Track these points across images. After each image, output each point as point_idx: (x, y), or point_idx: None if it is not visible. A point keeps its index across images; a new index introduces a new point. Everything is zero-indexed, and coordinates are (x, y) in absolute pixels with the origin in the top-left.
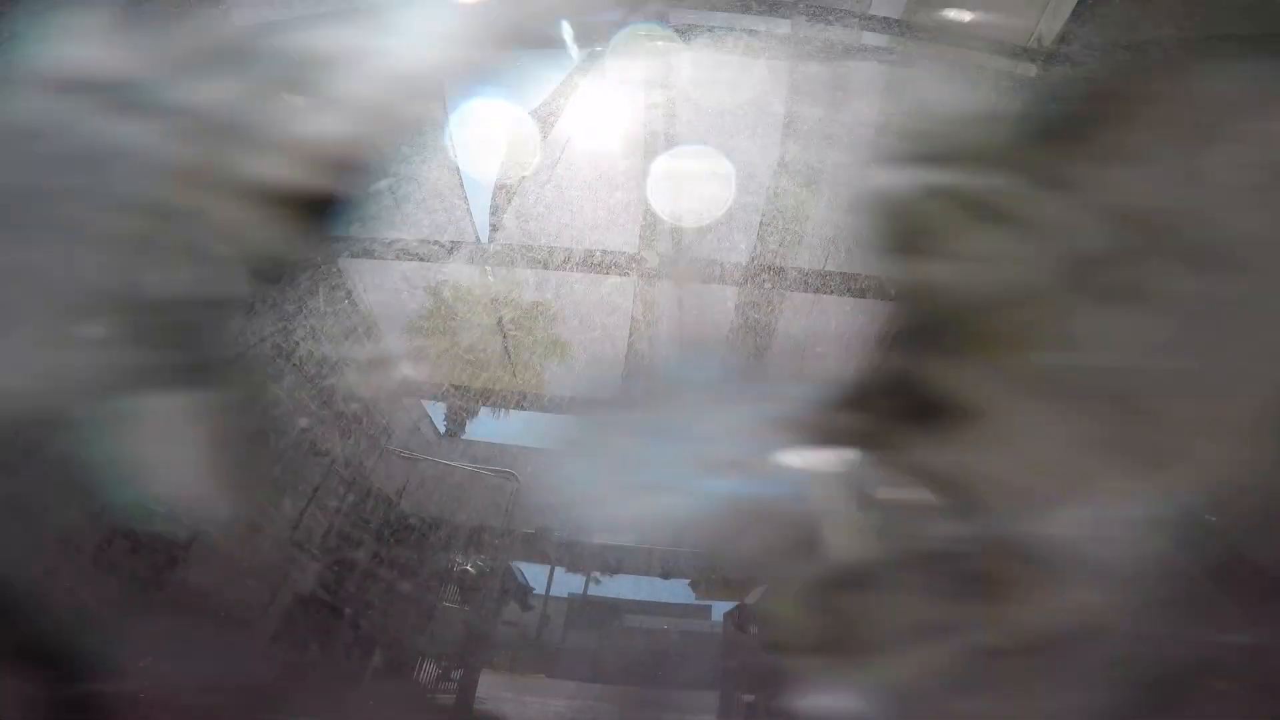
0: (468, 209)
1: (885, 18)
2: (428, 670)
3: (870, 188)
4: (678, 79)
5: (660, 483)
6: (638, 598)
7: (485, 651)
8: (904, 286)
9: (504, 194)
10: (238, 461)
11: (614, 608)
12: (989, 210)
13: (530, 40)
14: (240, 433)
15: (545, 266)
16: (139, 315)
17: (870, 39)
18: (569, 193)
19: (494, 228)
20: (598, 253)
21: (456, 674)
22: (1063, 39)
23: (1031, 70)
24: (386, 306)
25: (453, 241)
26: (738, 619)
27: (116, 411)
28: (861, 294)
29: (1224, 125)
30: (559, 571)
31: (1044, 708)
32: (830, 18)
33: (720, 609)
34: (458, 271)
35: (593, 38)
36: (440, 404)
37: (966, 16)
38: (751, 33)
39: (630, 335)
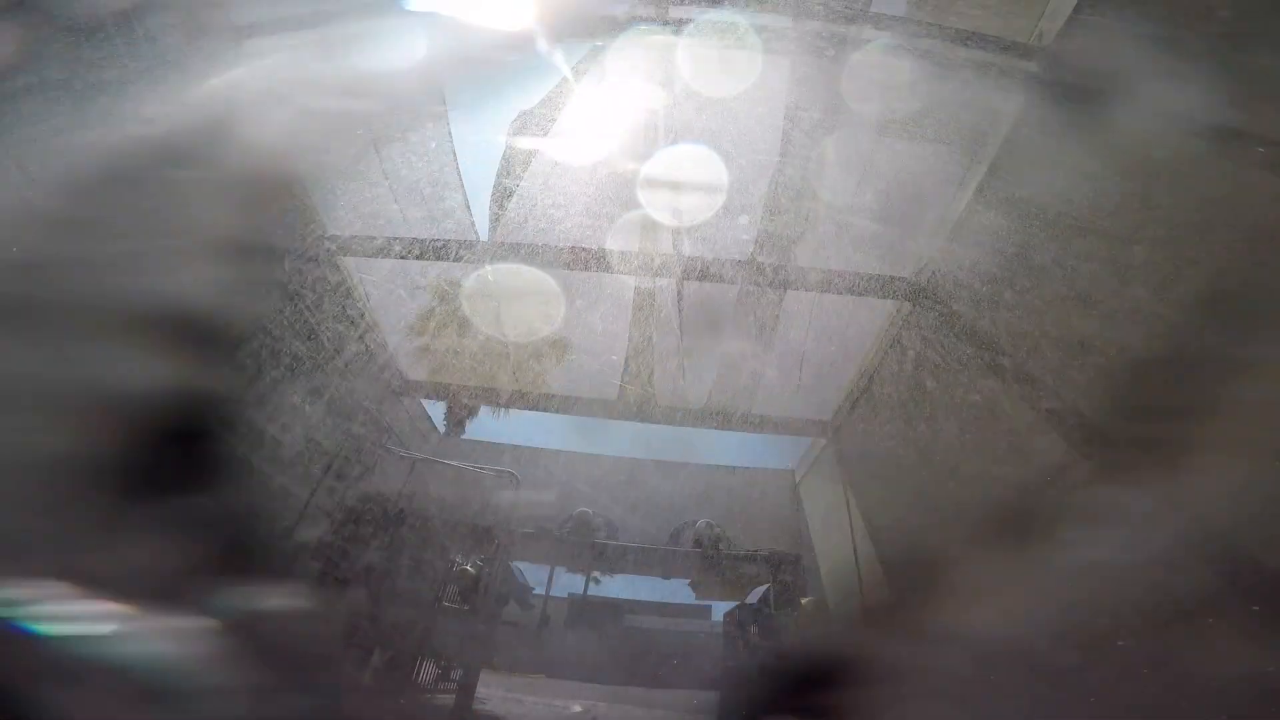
0: (468, 207)
1: (887, 15)
2: (427, 670)
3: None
4: (678, 74)
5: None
6: (638, 598)
7: (485, 651)
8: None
9: (504, 192)
10: (236, 461)
11: (614, 608)
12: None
13: (531, 36)
14: (239, 432)
15: (545, 265)
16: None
17: (872, 35)
18: (569, 191)
19: (494, 226)
20: (598, 251)
21: (456, 674)
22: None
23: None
24: (385, 305)
25: (452, 240)
26: (738, 619)
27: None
28: (863, 292)
29: None
30: (559, 571)
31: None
32: (831, 14)
33: (720, 609)
34: (457, 270)
35: (594, 33)
36: (440, 404)
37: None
38: (752, 28)
39: (630, 334)
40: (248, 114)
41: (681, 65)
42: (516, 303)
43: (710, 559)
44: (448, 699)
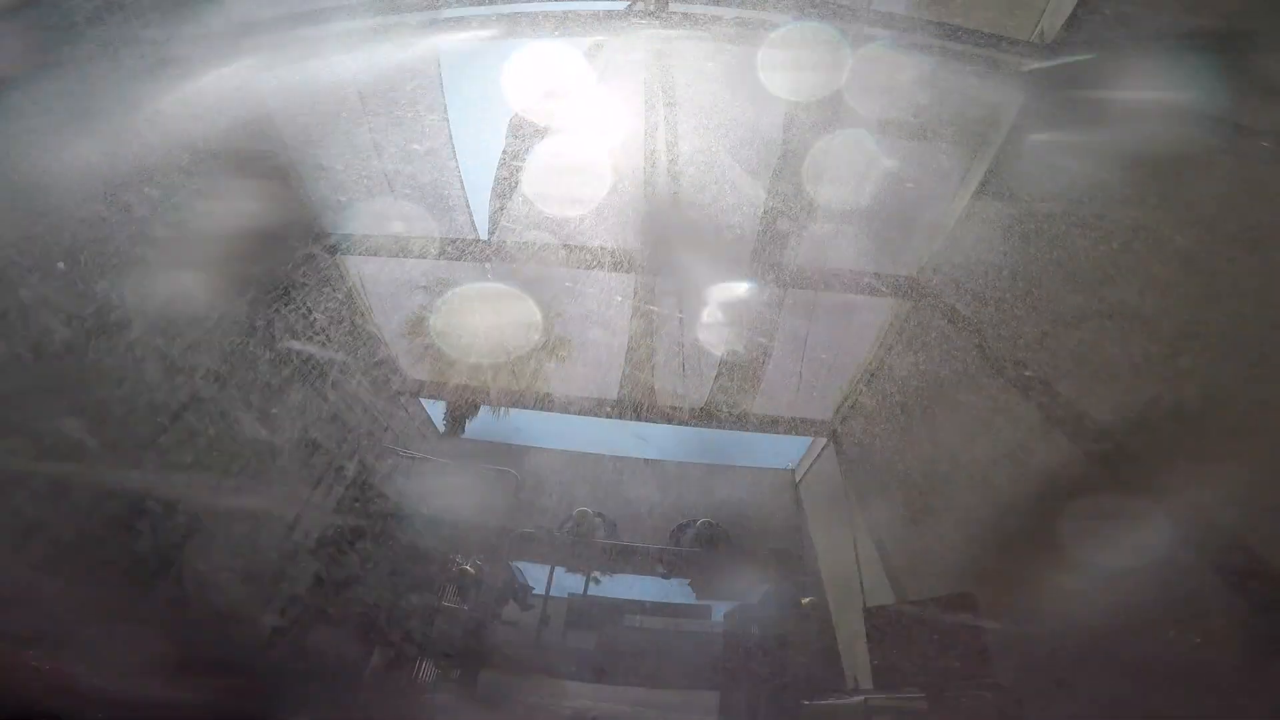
0: (467, 206)
1: (889, 12)
2: (427, 670)
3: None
4: (678, 70)
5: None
6: (638, 598)
7: (485, 651)
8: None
9: (504, 191)
10: (236, 460)
11: (614, 608)
12: None
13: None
14: (238, 432)
15: (545, 264)
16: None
17: (872, 32)
18: (569, 189)
19: (494, 225)
20: (598, 250)
21: (456, 674)
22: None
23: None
24: (384, 304)
25: (452, 239)
26: (738, 619)
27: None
28: (863, 291)
29: None
30: (559, 571)
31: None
32: (833, 10)
33: (720, 609)
34: (456, 269)
35: (594, 28)
36: (440, 403)
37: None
38: (752, 23)
39: (630, 333)
40: (246, 113)
41: (682, 61)
42: (516, 302)
43: (710, 559)
44: (448, 699)
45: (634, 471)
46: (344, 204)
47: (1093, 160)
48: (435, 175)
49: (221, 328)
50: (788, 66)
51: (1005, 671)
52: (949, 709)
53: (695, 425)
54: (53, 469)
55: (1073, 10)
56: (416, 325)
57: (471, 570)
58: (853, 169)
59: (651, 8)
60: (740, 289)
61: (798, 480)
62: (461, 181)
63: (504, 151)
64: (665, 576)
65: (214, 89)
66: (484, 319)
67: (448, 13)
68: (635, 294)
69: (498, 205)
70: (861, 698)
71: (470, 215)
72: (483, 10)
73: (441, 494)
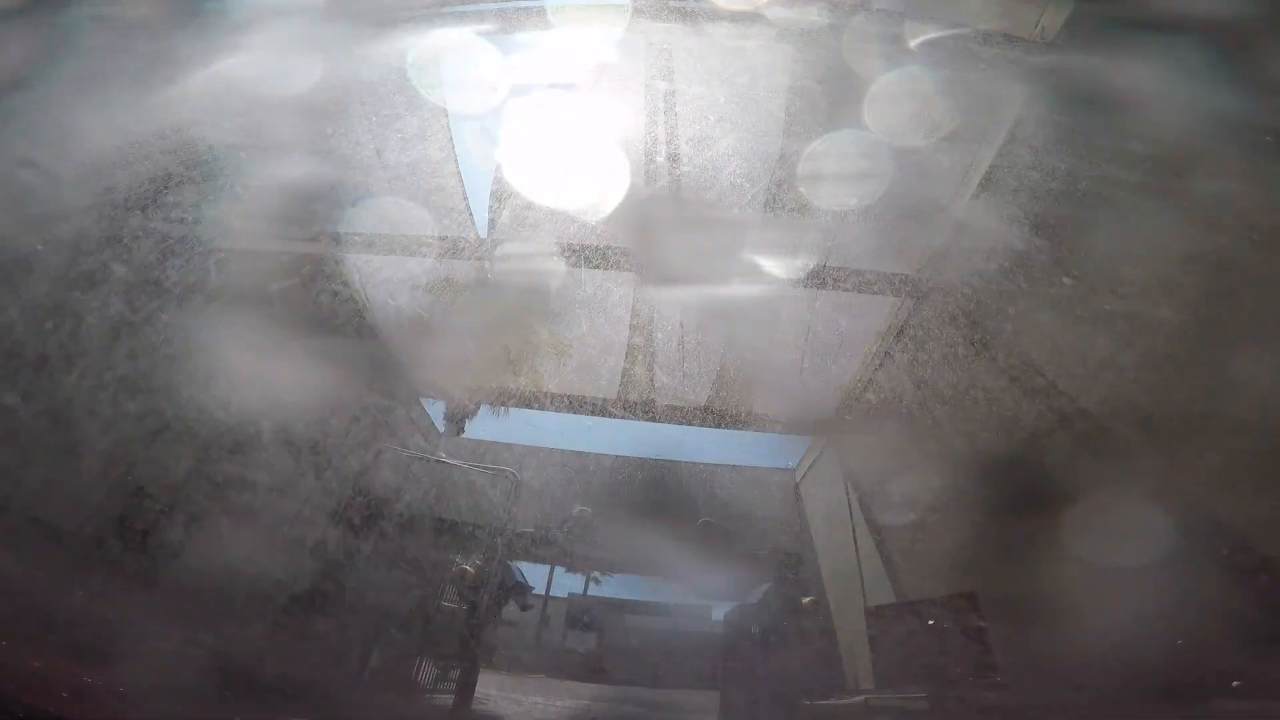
0: (466, 204)
1: (889, 10)
2: (427, 670)
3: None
4: (678, 67)
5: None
6: (638, 598)
7: (485, 651)
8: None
9: (503, 189)
10: (235, 460)
11: (614, 608)
12: None
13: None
14: (237, 431)
15: (545, 264)
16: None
17: (872, 29)
18: (569, 188)
19: (493, 224)
20: (598, 249)
21: (455, 674)
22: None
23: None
24: (383, 304)
25: (451, 238)
26: (738, 619)
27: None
28: (864, 290)
29: None
30: (559, 571)
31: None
32: (832, 6)
33: (720, 609)
34: (456, 269)
35: (593, 21)
36: (439, 403)
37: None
38: (752, 18)
39: (630, 333)
40: (244, 112)
41: (683, 56)
42: (516, 301)
43: (710, 559)
44: (447, 699)
45: (634, 472)
46: (342, 202)
47: (1095, 158)
48: (434, 173)
49: (218, 327)
50: (788, 61)
51: (1007, 671)
52: (950, 709)
53: (695, 425)
54: (52, 468)
55: (1073, 7)
56: (415, 324)
57: (471, 570)
58: (853, 167)
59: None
60: (741, 288)
61: (798, 480)
62: (460, 179)
63: (503, 149)
64: (665, 577)
65: (210, 87)
66: (483, 318)
67: (447, 8)
68: (635, 293)
69: (497, 203)
70: (862, 698)
71: (470, 213)
72: (483, 6)
73: (441, 494)
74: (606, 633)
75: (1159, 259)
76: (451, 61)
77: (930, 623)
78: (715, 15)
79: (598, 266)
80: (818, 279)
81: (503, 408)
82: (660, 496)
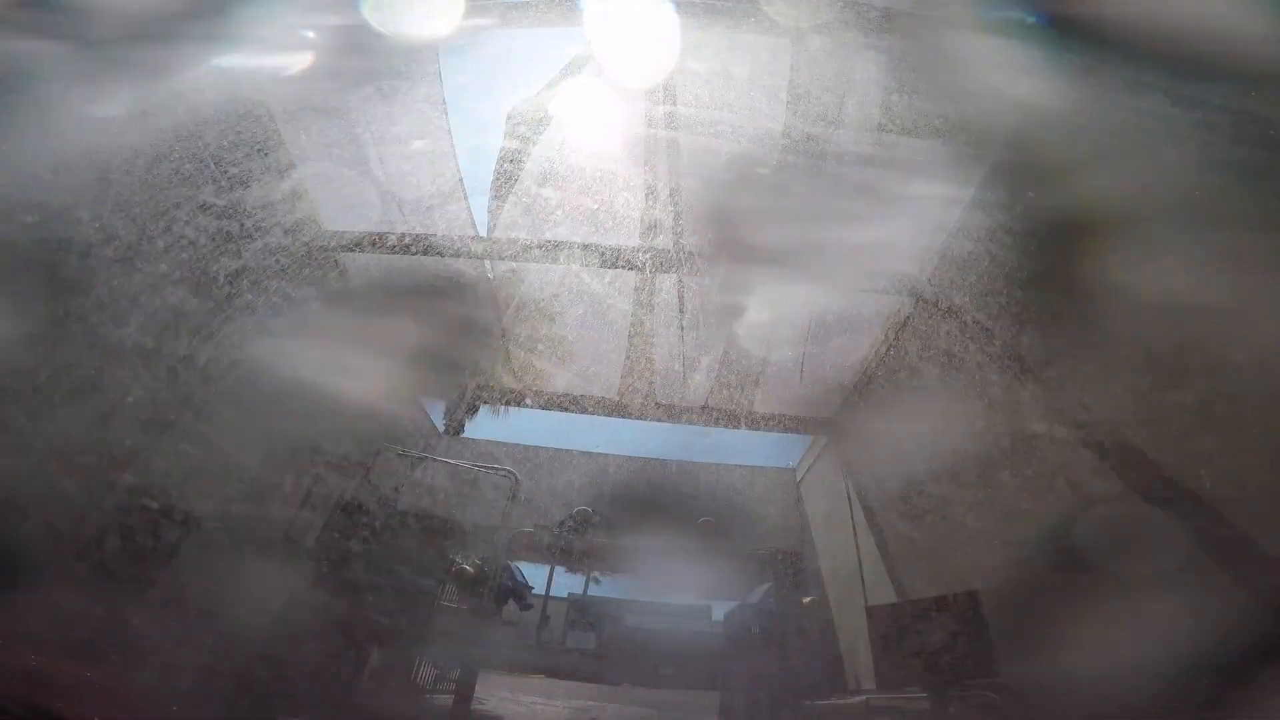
0: (466, 204)
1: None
2: (427, 670)
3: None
4: (677, 64)
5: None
6: (638, 598)
7: (485, 651)
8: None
9: (503, 188)
10: (235, 461)
11: (614, 608)
12: None
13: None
14: (238, 432)
15: (545, 263)
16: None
17: (874, 26)
18: (568, 187)
19: (493, 223)
20: (598, 249)
21: (456, 674)
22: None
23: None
24: (384, 303)
25: (451, 238)
26: (738, 619)
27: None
28: (865, 289)
29: None
30: (559, 571)
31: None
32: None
33: (720, 609)
34: (456, 268)
35: (590, 20)
36: (439, 403)
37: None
38: (752, 12)
39: (630, 332)
40: (243, 110)
41: (680, 54)
42: (516, 301)
43: (711, 558)
44: (447, 699)
45: (634, 471)
46: (341, 201)
47: (1096, 157)
48: (434, 171)
49: (218, 328)
50: (788, 57)
51: (1007, 671)
52: (951, 709)
53: (695, 424)
54: (52, 470)
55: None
56: (415, 324)
57: (471, 570)
58: (854, 166)
59: None
60: (741, 287)
61: (799, 479)
62: (460, 178)
63: (503, 148)
64: (665, 576)
65: (208, 84)
66: (483, 318)
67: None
68: (635, 292)
69: (497, 202)
70: (863, 698)
71: (469, 212)
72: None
73: (441, 494)
74: (606, 633)
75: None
76: None
77: (930, 622)
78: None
79: (598, 265)
80: (820, 279)
81: (502, 407)
82: (661, 496)
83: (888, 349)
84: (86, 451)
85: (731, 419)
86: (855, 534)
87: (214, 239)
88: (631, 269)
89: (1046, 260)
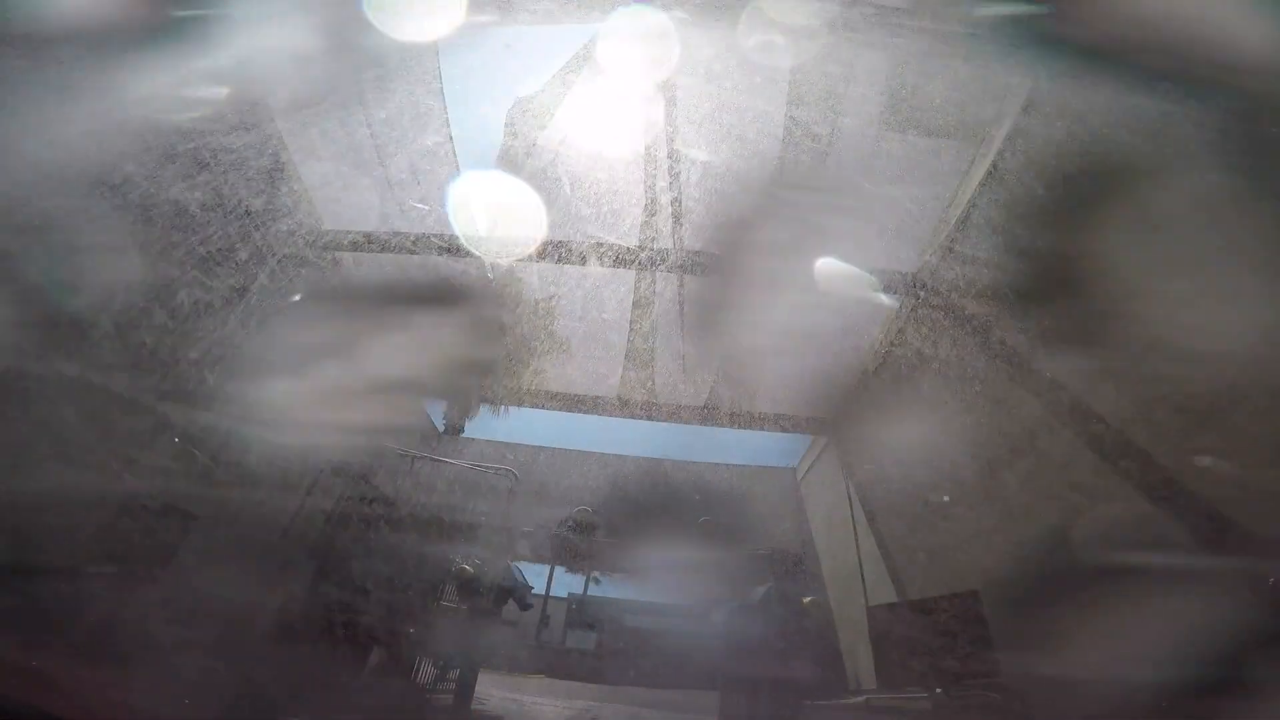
0: (466, 203)
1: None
2: (427, 670)
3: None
4: (677, 62)
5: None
6: (638, 598)
7: (485, 651)
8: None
9: (504, 188)
10: (235, 460)
11: (614, 608)
12: None
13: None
14: (238, 431)
15: (545, 263)
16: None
17: (874, 25)
18: (568, 186)
19: (493, 223)
20: (598, 248)
21: (455, 674)
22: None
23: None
24: (384, 303)
25: (450, 236)
26: (738, 619)
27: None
28: (865, 289)
29: None
30: (559, 571)
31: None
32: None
33: (720, 609)
34: (456, 268)
35: (590, 18)
36: (440, 402)
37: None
38: (752, 10)
39: (631, 333)
40: (241, 109)
41: (679, 52)
42: (516, 300)
43: (711, 558)
44: (447, 699)
45: (634, 470)
46: (340, 199)
47: (1097, 155)
48: (434, 172)
49: (217, 326)
50: (787, 55)
51: (1008, 670)
52: (952, 708)
53: (696, 424)
54: (51, 470)
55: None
56: (416, 323)
57: (471, 570)
58: (855, 164)
59: None
60: (742, 286)
61: (799, 478)
62: (460, 177)
63: (503, 148)
64: (665, 576)
65: (205, 80)
66: (484, 317)
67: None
68: (636, 292)
69: (497, 200)
70: (863, 697)
71: (469, 211)
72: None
73: (441, 494)
74: (606, 633)
75: None
76: None
77: (931, 621)
78: None
79: (598, 264)
80: (820, 278)
81: (503, 406)
82: (661, 496)
83: (888, 349)
84: (86, 451)
85: (731, 419)
86: (855, 534)
87: (211, 237)
88: (631, 269)
89: (1047, 261)
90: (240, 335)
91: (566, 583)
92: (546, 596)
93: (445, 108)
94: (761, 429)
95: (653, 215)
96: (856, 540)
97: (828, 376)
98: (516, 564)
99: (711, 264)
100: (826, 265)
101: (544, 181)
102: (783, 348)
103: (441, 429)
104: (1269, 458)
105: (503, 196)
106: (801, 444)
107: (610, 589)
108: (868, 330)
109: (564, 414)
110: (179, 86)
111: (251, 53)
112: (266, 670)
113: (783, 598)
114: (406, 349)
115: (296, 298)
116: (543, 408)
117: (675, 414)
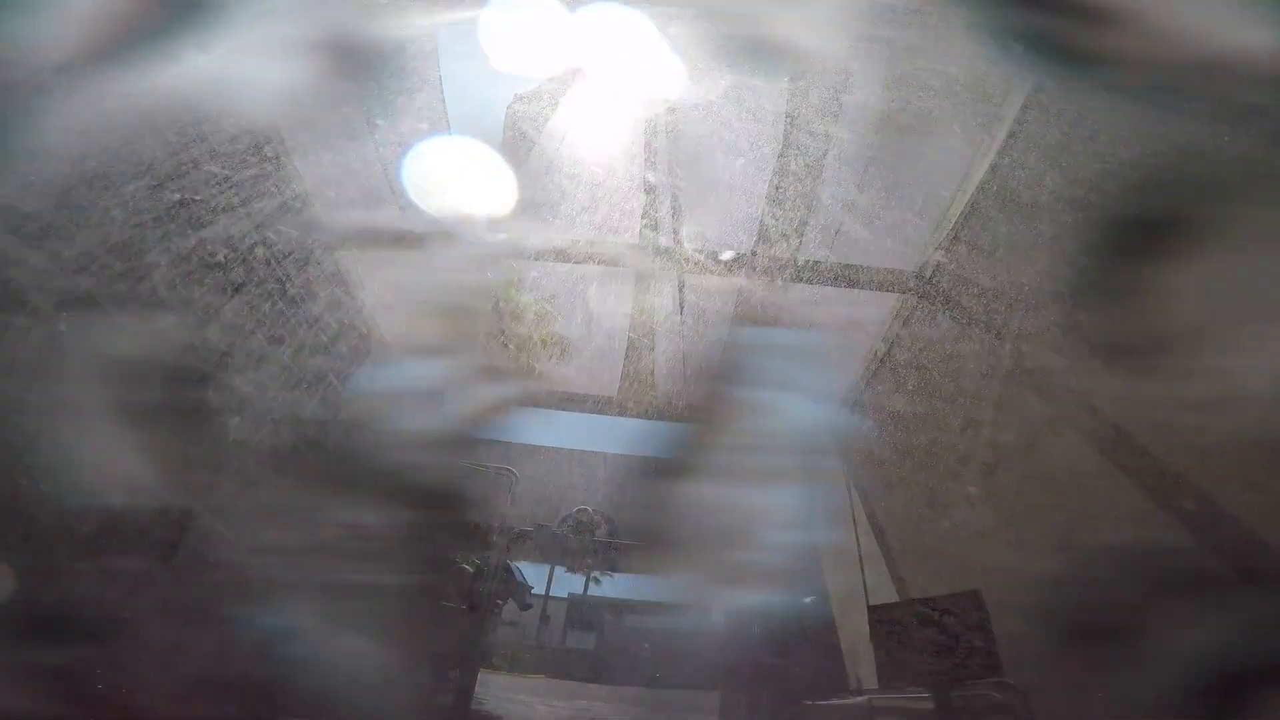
0: (466, 203)
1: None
2: (427, 670)
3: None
4: (676, 61)
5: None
6: (638, 598)
7: (485, 651)
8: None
9: (503, 187)
10: (236, 460)
11: (614, 608)
12: None
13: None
14: (238, 431)
15: (545, 262)
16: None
17: (874, 23)
18: (568, 186)
19: (493, 222)
20: (598, 247)
21: (456, 674)
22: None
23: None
24: (384, 302)
25: (449, 235)
26: (738, 619)
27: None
28: (866, 288)
29: None
30: (559, 571)
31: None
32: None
33: (720, 609)
34: (456, 267)
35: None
36: (438, 400)
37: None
38: (751, 8)
39: (630, 332)
40: (242, 108)
41: (677, 51)
42: (516, 300)
43: (711, 558)
44: (447, 699)
45: (633, 470)
46: (340, 198)
47: (1098, 153)
48: (434, 171)
49: (218, 325)
50: (786, 54)
51: (1011, 669)
52: (953, 708)
53: (696, 424)
54: (51, 471)
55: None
56: (416, 323)
57: (470, 569)
58: (856, 163)
59: None
60: (742, 285)
61: (800, 478)
62: (460, 178)
63: (503, 147)
64: (665, 576)
65: (204, 76)
66: (484, 316)
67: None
68: (635, 292)
69: (496, 200)
70: (865, 697)
71: (469, 210)
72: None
73: (441, 494)
74: (606, 633)
75: None
76: None
77: (933, 621)
78: None
79: (598, 263)
80: (821, 277)
81: (503, 407)
82: (660, 495)
83: (890, 348)
84: (84, 451)
85: (731, 419)
86: (856, 533)
87: (209, 235)
88: (631, 268)
89: (1048, 261)
90: (239, 334)
91: (566, 582)
92: (546, 596)
93: (444, 106)
94: (761, 429)
95: (653, 213)
96: (857, 540)
97: (829, 375)
98: (516, 564)
99: (711, 261)
100: (826, 264)
101: (544, 180)
102: (783, 347)
103: (441, 428)
104: (1271, 456)
105: (503, 196)
106: (801, 443)
107: (610, 589)
108: (871, 330)
109: (563, 414)
110: (172, 82)
111: (250, 52)
112: (267, 670)
113: (782, 598)
114: (406, 348)
115: (293, 296)
116: (542, 407)
117: (674, 414)
